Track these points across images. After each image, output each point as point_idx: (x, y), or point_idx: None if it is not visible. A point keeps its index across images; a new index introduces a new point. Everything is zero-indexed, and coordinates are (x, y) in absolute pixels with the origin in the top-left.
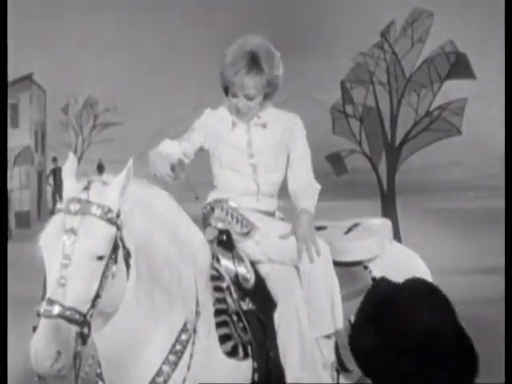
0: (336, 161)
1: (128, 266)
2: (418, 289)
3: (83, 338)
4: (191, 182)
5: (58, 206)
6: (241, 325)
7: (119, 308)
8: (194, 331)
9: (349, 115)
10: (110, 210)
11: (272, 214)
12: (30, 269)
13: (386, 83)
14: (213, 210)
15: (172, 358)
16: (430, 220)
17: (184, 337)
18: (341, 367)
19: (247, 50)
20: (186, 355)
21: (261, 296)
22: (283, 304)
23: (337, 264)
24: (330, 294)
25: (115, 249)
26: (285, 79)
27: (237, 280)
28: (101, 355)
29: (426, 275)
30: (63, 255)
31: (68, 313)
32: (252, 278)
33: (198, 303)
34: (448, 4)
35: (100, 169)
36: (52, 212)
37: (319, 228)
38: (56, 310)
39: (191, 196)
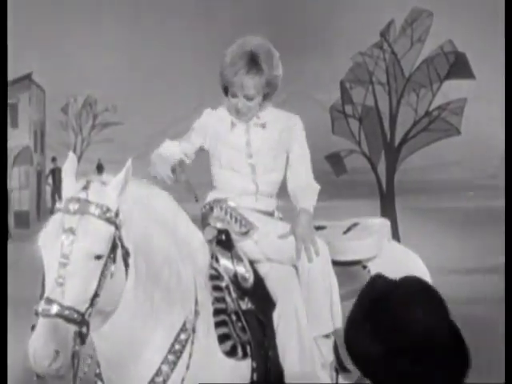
0: (335, 161)
1: (127, 265)
2: (413, 287)
3: (81, 337)
4: (191, 184)
5: (57, 205)
6: (240, 324)
7: (118, 307)
8: (193, 331)
9: (348, 115)
10: (108, 210)
11: (271, 214)
12: (30, 269)
13: (385, 83)
14: (212, 209)
15: (171, 357)
16: (429, 220)
17: (183, 336)
18: (340, 367)
19: (247, 50)
20: (185, 355)
21: (260, 295)
22: (282, 303)
23: (336, 263)
24: (328, 293)
25: (114, 248)
26: (284, 79)
27: (236, 279)
28: (100, 355)
29: (425, 275)
30: (62, 254)
31: (66, 312)
32: (251, 278)
33: (197, 303)
34: (447, 4)
35: (99, 169)
36: (51, 212)
37: (318, 228)
38: (54, 309)
39: (191, 196)
